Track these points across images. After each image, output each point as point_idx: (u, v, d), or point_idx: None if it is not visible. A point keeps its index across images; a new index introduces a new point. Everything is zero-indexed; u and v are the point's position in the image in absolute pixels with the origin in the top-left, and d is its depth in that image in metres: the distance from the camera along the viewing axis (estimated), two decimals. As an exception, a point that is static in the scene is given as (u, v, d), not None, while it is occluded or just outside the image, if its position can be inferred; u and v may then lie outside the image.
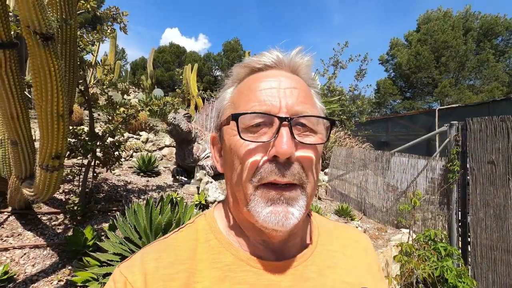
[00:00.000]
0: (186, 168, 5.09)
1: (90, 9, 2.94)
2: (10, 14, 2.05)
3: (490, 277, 3.55)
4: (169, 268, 0.48)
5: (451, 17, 20.98)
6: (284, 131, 0.45)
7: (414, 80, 22.33)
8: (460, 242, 4.03)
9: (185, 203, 2.86)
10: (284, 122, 0.45)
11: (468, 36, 19.84)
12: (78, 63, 2.73)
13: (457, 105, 10.28)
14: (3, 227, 2.68)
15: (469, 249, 3.87)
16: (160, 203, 2.61)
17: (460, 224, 4.04)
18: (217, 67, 27.69)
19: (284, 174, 0.45)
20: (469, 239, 3.89)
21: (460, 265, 3.50)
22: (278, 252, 0.53)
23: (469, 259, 3.86)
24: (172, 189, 4.42)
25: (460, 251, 3.86)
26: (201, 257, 0.51)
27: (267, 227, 0.46)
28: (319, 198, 5.84)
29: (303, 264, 0.53)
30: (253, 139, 0.47)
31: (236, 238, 0.54)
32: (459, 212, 4.05)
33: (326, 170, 7.26)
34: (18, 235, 2.65)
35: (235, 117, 0.47)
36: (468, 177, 3.94)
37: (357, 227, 4.52)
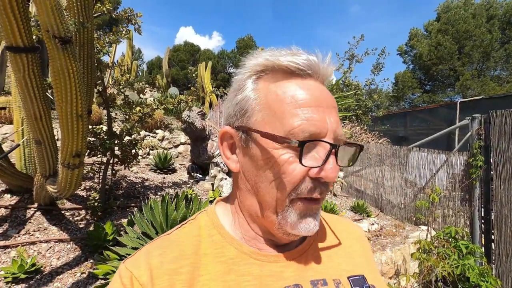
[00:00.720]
0: (201, 165, 5.17)
1: (106, 12, 3.03)
2: (32, 19, 2.15)
3: (515, 276, 3.39)
4: (173, 263, 0.49)
5: (473, 5, 19.96)
6: (332, 158, 0.46)
7: (435, 72, 21.47)
8: (483, 240, 3.88)
9: (199, 200, 2.91)
10: (334, 150, 0.47)
11: (492, 24, 18.80)
12: (96, 64, 2.82)
13: (481, 97, 9.80)
14: (30, 222, 2.84)
15: (493, 247, 3.72)
16: (175, 200, 2.67)
17: (483, 221, 3.88)
18: (231, 64, 27.80)
19: (323, 192, 0.49)
20: (492, 236, 3.74)
21: (483, 264, 3.37)
22: (280, 245, 0.56)
23: (493, 257, 3.70)
24: (188, 185, 4.51)
25: (483, 249, 3.71)
26: (205, 251, 0.52)
27: (295, 234, 0.50)
28: (334, 195, 5.78)
29: (304, 255, 0.56)
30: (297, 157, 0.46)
31: (240, 234, 0.55)
32: (482, 209, 3.89)
33: (342, 166, 7.15)
34: (44, 229, 2.79)
35: (302, 144, 0.44)
36: (491, 172, 3.77)
37: (373, 223, 4.45)
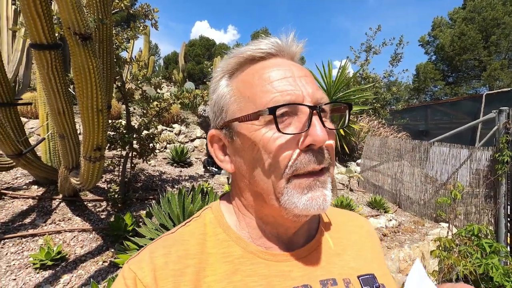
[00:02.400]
0: (216, 159, 5.22)
1: (124, 8, 3.09)
2: (54, 17, 2.22)
3: (543, 277, 3.23)
4: (178, 263, 0.48)
5: (503, -10, 18.75)
6: (316, 119, 0.45)
7: (458, 63, 20.47)
8: (508, 239, 3.71)
9: (215, 193, 2.95)
10: (314, 111, 0.45)
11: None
12: (115, 60, 2.89)
13: (509, 89, 9.27)
14: (55, 212, 2.98)
15: (519, 247, 3.55)
16: (191, 193, 2.72)
17: (509, 219, 3.70)
18: (246, 58, 27.67)
19: (321, 161, 0.46)
20: (519, 235, 3.57)
21: (508, 263, 3.23)
22: (287, 243, 0.54)
23: (519, 257, 3.54)
24: (204, 179, 4.58)
25: (508, 248, 3.55)
26: (210, 251, 0.50)
27: (305, 214, 0.47)
28: (351, 190, 5.69)
29: (312, 253, 0.54)
30: (283, 131, 0.45)
31: (246, 232, 0.54)
32: (508, 206, 3.72)
33: (359, 161, 7.02)
34: (68, 219, 2.93)
35: (272, 110, 0.43)
36: (519, 168, 3.58)
37: (390, 219, 4.35)
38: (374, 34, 10.53)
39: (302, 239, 0.56)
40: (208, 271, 0.48)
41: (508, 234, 3.71)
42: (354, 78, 9.61)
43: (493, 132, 3.98)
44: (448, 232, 3.43)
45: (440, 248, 3.07)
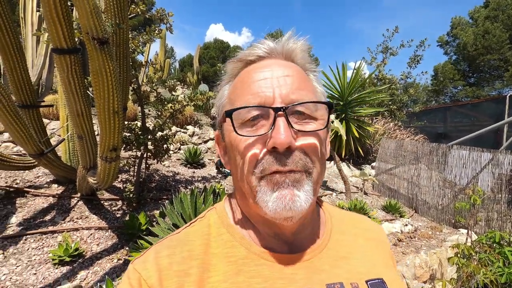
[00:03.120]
0: (229, 160, 5.25)
1: (140, 13, 3.18)
2: (74, 23, 2.32)
3: None
4: (182, 263, 0.48)
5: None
6: (281, 121, 0.45)
7: (481, 63, 19.69)
8: (533, 248, 3.52)
9: (226, 194, 2.97)
10: (279, 112, 0.45)
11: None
12: (131, 63, 2.98)
13: (535, 89, 8.82)
14: (74, 210, 3.09)
15: (545, 256, 3.36)
16: (203, 193, 2.76)
17: (533, 227, 3.52)
18: (259, 60, 27.75)
19: (286, 163, 0.45)
20: (545, 244, 3.38)
21: (533, 273, 3.07)
22: (291, 244, 0.53)
23: (545, 267, 3.35)
24: (216, 180, 4.62)
25: (533, 257, 3.37)
26: (214, 251, 0.51)
27: (275, 215, 0.45)
28: (365, 193, 5.58)
29: (318, 256, 0.53)
30: (251, 133, 0.47)
31: (248, 232, 0.54)
32: (533, 213, 3.54)
33: (373, 164, 6.88)
34: (86, 217, 3.03)
35: (228, 114, 0.47)
36: (545, 174, 3.40)
37: (406, 224, 4.23)
38: (391, 35, 10.31)
39: (306, 241, 0.55)
40: (212, 271, 0.48)
41: (533, 242, 3.52)
42: (370, 79, 9.43)
43: (516, 135, 3.81)
44: (467, 239, 3.30)
45: (459, 255, 2.96)
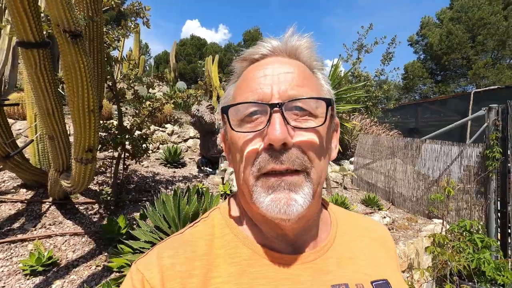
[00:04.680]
0: (210, 159, 5.18)
1: (114, 6, 3.01)
2: (42, 14, 2.14)
3: (533, 270, 3.31)
4: (185, 264, 0.47)
5: (489, -9, 19.20)
6: (276, 117, 0.44)
7: (446, 62, 20.88)
8: (499, 234, 3.79)
9: (211, 193, 2.91)
10: (275, 109, 0.44)
11: (508, 11, 18.08)
12: (105, 59, 2.82)
13: (497, 86, 9.49)
14: (46, 216, 2.89)
15: (509, 241, 3.64)
16: (187, 194, 2.68)
17: (499, 214, 3.79)
18: (237, 57, 27.64)
19: (282, 161, 0.43)
20: (509, 230, 3.65)
21: (499, 258, 3.30)
22: (295, 245, 0.52)
23: (509, 251, 3.63)
24: (198, 179, 4.53)
25: (499, 243, 3.63)
26: (218, 252, 0.50)
27: (271, 216, 0.45)
28: (345, 188, 5.73)
29: (323, 257, 0.52)
30: (249, 129, 0.46)
31: (252, 232, 0.53)
32: (498, 202, 3.80)
33: (352, 159, 7.08)
34: (59, 223, 2.85)
35: (224, 110, 0.48)
36: (509, 165, 3.66)
37: (384, 217, 4.39)
38: (366, 32, 10.61)
39: (311, 242, 0.54)
40: (216, 272, 0.47)
41: (499, 229, 3.79)
42: (346, 76, 9.67)
43: (483, 129, 4.06)
44: (442, 228, 3.49)
45: (434, 244, 3.12)
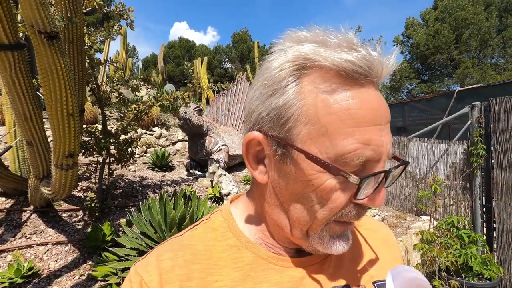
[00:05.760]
0: (199, 161, 5.11)
1: (96, 7, 2.94)
2: (17, 15, 2.07)
3: (518, 264, 3.39)
4: (184, 267, 0.47)
5: (471, -8, 19.80)
6: (382, 185, 0.41)
7: (432, 62, 21.38)
8: (484, 229, 3.87)
9: (198, 197, 2.87)
10: (385, 176, 0.41)
11: (489, 11, 18.68)
12: (87, 61, 2.74)
13: (479, 85, 9.76)
14: (26, 225, 2.78)
15: (495, 235, 3.71)
16: (173, 198, 2.63)
17: (484, 209, 3.86)
18: (226, 59, 27.56)
19: (363, 216, 0.44)
20: (494, 225, 3.73)
21: (485, 252, 3.36)
22: (299, 248, 0.52)
23: (495, 245, 3.70)
24: (187, 183, 4.47)
25: (484, 237, 3.70)
26: (219, 255, 0.49)
27: (325, 252, 0.46)
28: (335, 187, 5.75)
29: (327, 259, 0.52)
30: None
31: (257, 237, 0.52)
32: (483, 197, 3.88)
33: (341, 159, 7.13)
34: (41, 232, 2.74)
35: (362, 182, 0.38)
36: (492, 161, 3.74)
37: (374, 215, 4.43)
38: (355, 33, 10.75)
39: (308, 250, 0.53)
40: (217, 276, 0.47)
41: (484, 224, 3.86)
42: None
43: (467, 127, 4.15)
44: (430, 225, 3.53)
45: (423, 241, 3.15)
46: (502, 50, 19.17)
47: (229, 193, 4.02)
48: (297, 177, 0.41)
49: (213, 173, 4.48)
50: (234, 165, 5.44)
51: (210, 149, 4.88)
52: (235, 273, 0.47)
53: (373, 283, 0.51)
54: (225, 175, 4.37)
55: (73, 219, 3.03)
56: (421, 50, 21.26)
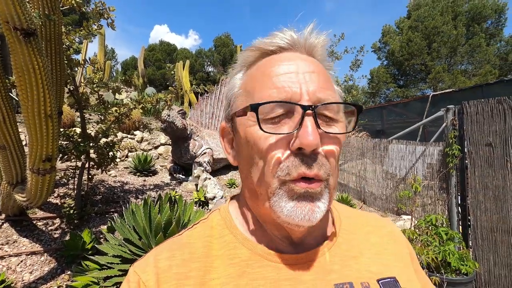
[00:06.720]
0: (183, 165, 5.02)
1: (75, 5, 2.83)
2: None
3: (491, 258, 3.57)
4: (182, 266, 0.47)
5: (441, 2, 20.95)
6: (309, 121, 0.41)
7: (407, 68, 22.36)
8: (460, 226, 4.05)
9: (184, 201, 2.80)
10: (308, 111, 0.41)
11: (457, 21, 19.87)
12: (65, 61, 2.63)
13: (451, 89, 10.32)
14: (-3, 235, 2.60)
15: (470, 232, 3.89)
16: (158, 202, 2.55)
17: (460, 208, 4.05)
18: (209, 63, 27.41)
19: (312, 166, 0.42)
20: (469, 222, 3.91)
21: (462, 248, 3.52)
22: (298, 244, 0.50)
23: (470, 242, 3.88)
24: (170, 187, 4.36)
25: (460, 234, 3.88)
26: (216, 253, 0.49)
27: (290, 223, 0.43)
28: (319, 189, 5.83)
29: (325, 255, 0.50)
30: (273, 130, 0.43)
31: (254, 233, 0.51)
32: (459, 196, 4.06)
33: (324, 161, 7.25)
34: (14, 242, 2.57)
35: (254, 107, 0.42)
36: (466, 161, 3.94)
37: (358, 216, 4.52)
38: (337, 41, 11.07)
39: (314, 241, 0.52)
40: (214, 274, 0.46)
41: (460, 221, 4.05)
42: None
43: (442, 129, 4.35)
44: (411, 224, 3.65)
45: (405, 240, 3.24)
46: (470, 57, 20.39)
47: (214, 197, 3.97)
48: (242, 141, 0.48)
49: (198, 177, 4.41)
50: (219, 168, 5.38)
51: (194, 153, 4.81)
52: (231, 269, 0.47)
53: (378, 280, 0.50)
54: (210, 178, 4.32)
55: (50, 227, 2.87)
56: (396, 56, 22.19)
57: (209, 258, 0.48)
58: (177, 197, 2.71)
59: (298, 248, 0.50)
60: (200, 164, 4.70)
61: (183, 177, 4.86)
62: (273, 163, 0.42)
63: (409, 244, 0.64)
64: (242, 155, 0.49)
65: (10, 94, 2.11)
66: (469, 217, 3.93)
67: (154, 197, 3.31)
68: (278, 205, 0.43)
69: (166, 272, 0.46)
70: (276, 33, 0.49)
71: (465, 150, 3.92)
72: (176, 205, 2.60)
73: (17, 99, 2.66)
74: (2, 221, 2.76)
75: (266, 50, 0.49)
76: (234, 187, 4.78)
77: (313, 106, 0.42)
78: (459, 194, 4.07)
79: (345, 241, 0.54)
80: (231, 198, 0.60)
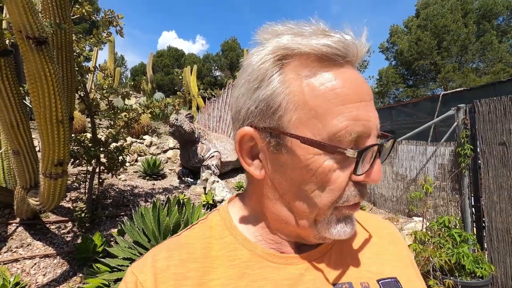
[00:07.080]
0: (191, 169, 5.06)
1: (85, 14, 2.91)
2: (4, 22, 2.02)
3: (508, 260, 3.46)
4: (180, 266, 0.46)
5: (449, 0, 20.63)
6: (378, 157, 0.41)
7: (416, 67, 22.03)
8: (474, 228, 3.94)
9: (192, 204, 2.82)
10: (379, 150, 0.41)
11: (468, 18, 19.50)
12: (76, 68, 2.70)
13: (462, 88, 10.10)
14: (12, 238, 2.67)
15: (484, 234, 3.79)
16: (167, 205, 2.58)
17: (473, 209, 3.95)
18: (216, 67, 27.66)
19: (365, 194, 0.43)
20: (483, 223, 3.81)
21: (476, 251, 3.42)
22: (298, 245, 0.50)
23: (485, 244, 3.77)
24: (179, 190, 4.40)
25: (475, 236, 3.77)
26: (216, 254, 0.48)
27: (332, 239, 0.46)
28: (327, 191, 5.78)
29: (326, 255, 0.50)
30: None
31: (255, 234, 0.50)
32: (472, 197, 3.96)
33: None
34: (28, 245, 2.64)
35: (360, 155, 0.38)
36: (479, 161, 3.84)
37: (368, 218, 4.46)
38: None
39: (315, 241, 0.51)
40: (213, 274, 0.46)
41: (474, 223, 3.94)
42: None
43: (453, 128, 4.26)
44: (422, 225, 3.57)
45: (416, 242, 3.18)
46: (482, 55, 19.96)
47: (222, 200, 3.98)
48: (295, 165, 0.42)
49: (206, 180, 4.44)
50: (226, 171, 5.40)
51: (202, 156, 4.84)
52: (231, 271, 0.46)
53: (378, 281, 0.49)
54: (218, 181, 4.34)
55: (62, 231, 2.93)
56: (405, 56, 21.90)
57: (208, 258, 0.47)
58: (185, 200, 2.74)
59: (299, 248, 0.50)
60: (208, 167, 4.73)
61: (192, 180, 4.89)
62: (337, 194, 0.41)
63: (409, 249, 0.64)
64: (287, 176, 0.43)
65: (23, 101, 2.18)
66: (483, 218, 3.82)
67: (163, 201, 3.35)
68: (326, 227, 0.44)
69: (164, 272, 0.45)
70: (332, 33, 0.40)
71: (478, 150, 3.83)
72: (184, 208, 2.63)
73: (30, 106, 2.75)
74: (17, 224, 2.84)
75: (318, 51, 0.39)
76: (243, 190, 4.79)
77: (383, 144, 0.41)
78: (472, 195, 3.96)
79: (345, 241, 0.54)
80: (231, 199, 0.59)
